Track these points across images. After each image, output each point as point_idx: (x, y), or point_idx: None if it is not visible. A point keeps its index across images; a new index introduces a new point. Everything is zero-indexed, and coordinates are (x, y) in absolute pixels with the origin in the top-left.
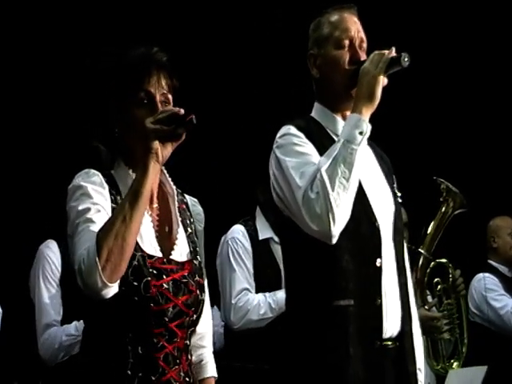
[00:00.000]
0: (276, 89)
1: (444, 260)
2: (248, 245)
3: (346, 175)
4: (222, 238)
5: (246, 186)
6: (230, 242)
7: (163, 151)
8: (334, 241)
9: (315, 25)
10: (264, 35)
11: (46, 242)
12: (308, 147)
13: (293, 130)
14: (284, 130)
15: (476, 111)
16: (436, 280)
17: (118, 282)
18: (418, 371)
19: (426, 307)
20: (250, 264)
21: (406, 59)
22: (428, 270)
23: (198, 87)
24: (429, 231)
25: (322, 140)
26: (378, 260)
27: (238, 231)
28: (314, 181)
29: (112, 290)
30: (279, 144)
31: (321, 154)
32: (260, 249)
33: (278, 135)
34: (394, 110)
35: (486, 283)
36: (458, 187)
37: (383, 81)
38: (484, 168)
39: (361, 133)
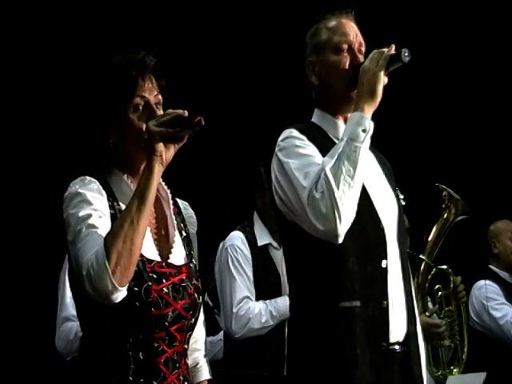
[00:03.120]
0: (274, 94)
1: (445, 266)
2: (247, 251)
3: (351, 173)
4: (221, 245)
5: (244, 192)
6: (229, 250)
7: (166, 153)
8: (341, 240)
9: (312, 31)
10: (265, 39)
11: None
12: (311, 149)
13: (295, 132)
14: (286, 133)
15: (477, 117)
16: (437, 287)
17: (127, 286)
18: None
19: (427, 314)
20: (249, 271)
21: (406, 54)
22: (429, 277)
23: (196, 92)
24: (430, 238)
25: (324, 143)
26: (384, 261)
27: (236, 238)
28: (318, 180)
29: (121, 293)
30: (281, 147)
31: (323, 156)
32: (259, 255)
33: (280, 138)
34: (396, 116)
35: (486, 291)
36: (460, 193)
37: (384, 79)
38: (485, 174)
39: (364, 130)
